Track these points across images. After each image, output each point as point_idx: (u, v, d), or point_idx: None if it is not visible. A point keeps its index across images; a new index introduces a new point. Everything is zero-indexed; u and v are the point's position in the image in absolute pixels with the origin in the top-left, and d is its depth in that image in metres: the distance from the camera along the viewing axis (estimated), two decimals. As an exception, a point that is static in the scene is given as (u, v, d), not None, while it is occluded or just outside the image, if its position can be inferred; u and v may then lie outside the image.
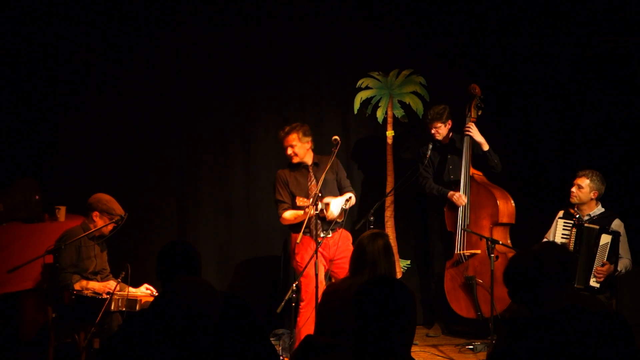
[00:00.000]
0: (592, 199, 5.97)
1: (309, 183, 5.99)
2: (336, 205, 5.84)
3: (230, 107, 7.03)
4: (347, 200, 5.85)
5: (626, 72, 6.88)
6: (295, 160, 5.99)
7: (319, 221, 5.76)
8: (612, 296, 5.87)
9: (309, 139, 6.01)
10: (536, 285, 3.05)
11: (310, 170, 6.02)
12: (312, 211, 5.61)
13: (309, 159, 6.04)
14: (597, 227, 5.82)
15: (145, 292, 5.35)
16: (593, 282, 5.76)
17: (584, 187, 5.95)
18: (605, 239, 5.77)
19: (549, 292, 3.04)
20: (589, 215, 5.98)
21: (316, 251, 5.61)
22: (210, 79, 6.98)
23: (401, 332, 2.78)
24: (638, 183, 6.88)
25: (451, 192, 6.48)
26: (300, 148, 5.96)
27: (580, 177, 5.98)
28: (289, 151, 5.96)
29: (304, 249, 5.87)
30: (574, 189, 5.98)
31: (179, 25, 6.87)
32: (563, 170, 6.14)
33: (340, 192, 6.04)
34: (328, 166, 5.89)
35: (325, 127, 7.03)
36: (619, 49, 6.82)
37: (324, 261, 5.91)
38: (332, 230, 5.92)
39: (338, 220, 5.91)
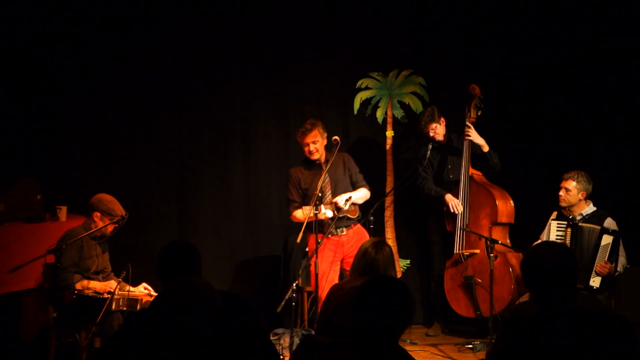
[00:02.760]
0: (581, 200, 5.99)
1: (321, 181, 6.03)
2: (342, 200, 5.93)
3: (230, 107, 7.04)
4: (347, 200, 5.89)
5: (626, 73, 6.89)
6: (316, 156, 6.05)
7: (330, 220, 5.90)
8: (611, 296, 5.89)
9: (326, 133, 6.10)
10: (558, 283, 2.99)
11: (323, 168, 6.06)
12: (311, 213, 5.68)
13: (324, 156, 6.10)
14: (599, 227, 5.83)
15: (143, 291, 5.37)
16: (593, 282, 5.77)
17: (572, 190, 5.96)
18: (607, 239, 5.78)
19: (565, 292, 3.00)
20: (581, 214, 6.00)
21: (316, 250, 5.65)
22: (210, 79, 6.99)
23: (400, 330, 2.80)
24: (632, 182, 6.89)
25: (448, 196, 6.50)
26: (321, 145, 6.05)
27: (567, 180, 5.99)
28: (311, 147, 6.01)
29: (320, 248, 5.92)
30: (561, 193, 6.00)
31: (179, 25, 6.88)
32: (562, 170, 6.14)
33: (354, 188, 6.12)
34: (328, 166, 5.92)
35: (325, 127, 7.04)
36: (619, 50, 6.84)
37: (336, 261, 5.97)
38: (346, 227, 6.01)
39: (350, 216, 5.97)
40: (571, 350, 2.89)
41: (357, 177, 6.20)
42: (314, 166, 6.11)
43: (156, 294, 5.32)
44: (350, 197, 5.92)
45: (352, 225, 6.09)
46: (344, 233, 6.05)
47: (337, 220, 5.96)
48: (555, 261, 3.00)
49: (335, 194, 6.04)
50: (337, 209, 5.92)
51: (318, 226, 5.87)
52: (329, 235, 6.01)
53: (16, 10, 6.57)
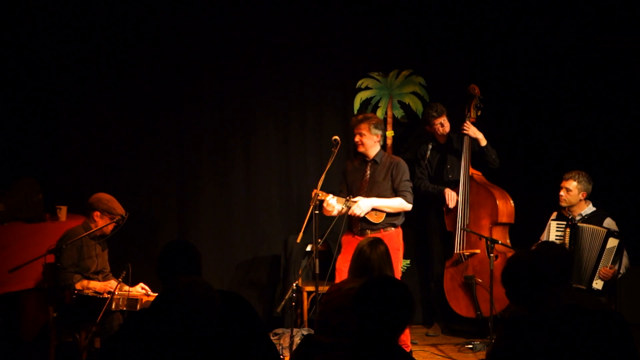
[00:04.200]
0: (581, 200, 5.99)
1: (363, 177, 6.02)
2: (363, 204, 5.86)
3: (230, 107, 7.04)
4: (348, 200, 5.87)
5: (626, 73, 6.89)
6: (360, 149, 6.03)
7: (353, 219, 5.89)
8: (611, 297, 5.88)
9: (379, 132, 6.04)
10: (534, 285, 3.06)
11: (368, 166, 6.05)
12: (319, 194, 5.68)
13: (373, 153, 6.06)
14: (605, 229, 5.81)
15: (140, 291, 5.37)
16: (596, 284, 5.75)
17: (572, 190, 5.96)
18: (613, 242, 5.75)
19: (547, 292, 3.06)
20: (581, 214, 6.00)
21: (316, 250, 5.66)
22: (210, 79, 6.99)
23: (399, 330, 2.81)
24: (632, 182, 6.89)
25: (447, 189, 6.52)
26: (368, 139, 5.99)
27: (567, 180, 5.99)
28: (357, 138, 6.01)
29: (344, 246, 5.93)
30: (562, 193, 5.99)
31: (179, 25, 6.89)
32: (562, 170, 6.15)
33: (395, 195, 6.02)
34: (328, 166, 5.91)
35: (325, 127, 7.05)
36: (619, 49, 6.84)
37: None
38: (371, 230, 5.94)
39: (372, 220, 5.94)
40: (570, 348, 2.89)
41: (399, 185, 6.01)
42: (362, 162, 6.10)
43: (153, 294, 5.34)
44: (349, 198, 5.88)
45: (382, 229, 5.94)
46: (367, 234, 5.89)
47: (362, 222, 5.93)
48: (557, 267, 3.04)
49: (369, 193, 5.98)
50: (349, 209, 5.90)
51: (348, 224, 5.91)
52: (356, 235, 5.99)
53: (16, 10, 6.57)
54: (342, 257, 5.91)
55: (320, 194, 5.76)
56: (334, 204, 5.83)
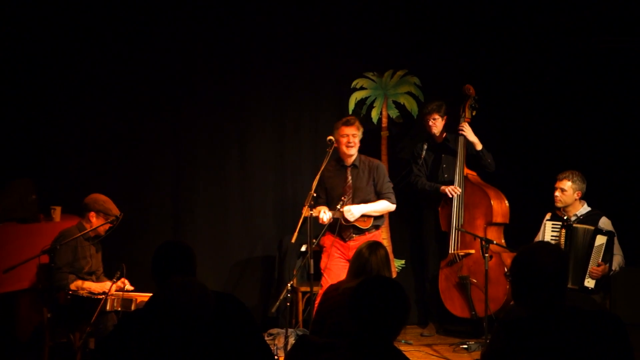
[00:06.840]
0: (576, 200, 5.99)
1: (345, 183, 6.02)
2: (355, 210, 5.89)
3: (227, 107, 7.04)
4: (340, 207, 5.86)
5: (623, 73, 6.90)
6: (351, 151, 5.99)
7: (342, 222, 5.88)
8: (606, 296, 5.89)
9: (360, 135, 6.04)
10: (532, 283, 3.02)
11: (348, 171, 6.04)
12: (307, 212, 5.65)
13: (353, 157, 6.06)
14: (592, 228, 5.83)
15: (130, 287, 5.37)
16: (587, 283, 5.76)
17: (567, 190, 5.96)
18: (601, 239, 5.77)
19: (544, 291, 3.03)
20: (576, 215, 6.00)
21: (310, 251, 5.66)
22: (208, 80, 6.99)
23: (395, 331, 2.81)
24: (627, 182, 6.90)
25: (443, 187, 6.52)
26: (358, 140, 5.99)
27: (561, 180, 5.98)
28: (350, 139, 5.95)
29: (326, 248, 5.95)
30: (557, 193, 5.99)
31: (178, 25, 6.89)
32: (556, 170, 6.15)
33: (378, 198, 6.05)
34: (323, 166, 5.91)
35: (320, 128, 7.04)
36: (617, 50, 6.84)
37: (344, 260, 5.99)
38: (355, 234, 5.98)
39: (359, 226, 5.95)
40: (565, 350, 2.89)
41: (382, 187, 6.07)
42: (340, 167, 6.08)
43: (146, 294, 5.33)
44: (338, 211, 5.88)
45: (367, 232, 6.01)
46: (353, 238, 5.99)
47: (350, 228, 5.95)
48: (551, 267, 3.00)
49: (353, 199, 5.99)
50: (343, 218, 5.90)
51: (331, 227, 5.90)
52: (346, 240, 6.00)
53: (16, 10, 6.56)
54: (328, 256, 5.95)
55: (313, 212, 5.74)
56: (330, 216, 5.87)
